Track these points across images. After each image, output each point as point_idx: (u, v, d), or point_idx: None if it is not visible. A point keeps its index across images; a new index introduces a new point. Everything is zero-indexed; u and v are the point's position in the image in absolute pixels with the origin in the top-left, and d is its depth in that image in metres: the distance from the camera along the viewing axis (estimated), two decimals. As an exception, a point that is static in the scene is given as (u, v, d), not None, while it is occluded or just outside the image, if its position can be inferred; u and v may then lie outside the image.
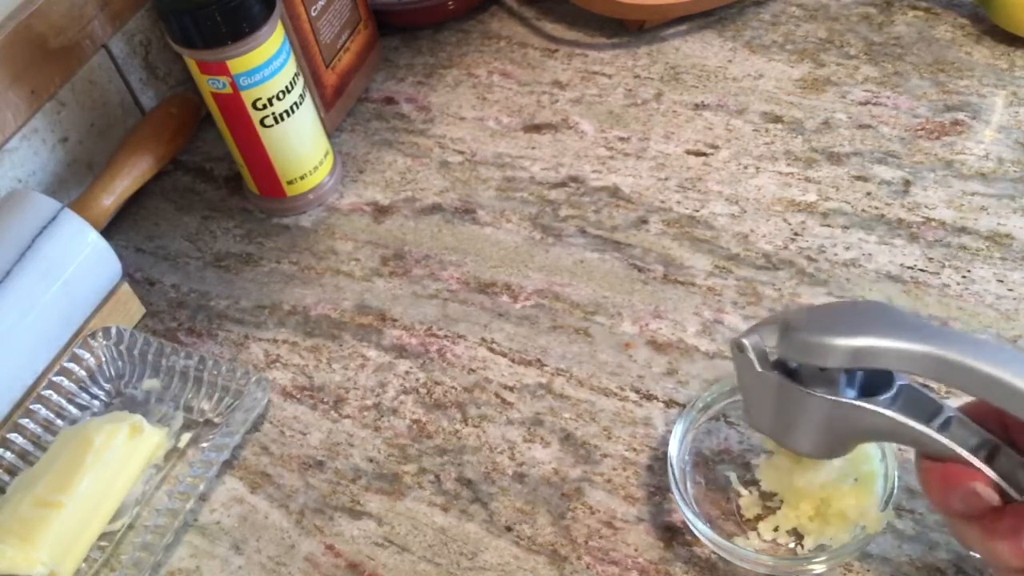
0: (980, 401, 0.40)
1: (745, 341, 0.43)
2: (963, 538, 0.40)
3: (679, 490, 0.48)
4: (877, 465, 0.47)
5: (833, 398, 0.41)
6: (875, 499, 0.46)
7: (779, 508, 0.48)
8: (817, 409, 0.42)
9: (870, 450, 0.47)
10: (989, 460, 0.38)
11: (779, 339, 0.42)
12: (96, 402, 0.59)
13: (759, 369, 0.43)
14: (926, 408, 0.40)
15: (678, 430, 0.50)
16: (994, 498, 0.38)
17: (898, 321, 0.41)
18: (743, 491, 0.50)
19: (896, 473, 0.46)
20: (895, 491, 0.46)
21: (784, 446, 0.45)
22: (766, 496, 0.49)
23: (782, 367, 0.43)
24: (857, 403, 0.41)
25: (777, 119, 0.68)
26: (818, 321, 0.41)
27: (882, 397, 0.41)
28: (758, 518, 0.49)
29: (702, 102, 0.70)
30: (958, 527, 0.40)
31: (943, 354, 0.38)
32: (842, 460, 0.48)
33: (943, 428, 0.39)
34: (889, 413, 0.40)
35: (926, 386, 0.42)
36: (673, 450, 0.49)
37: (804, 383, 0.42)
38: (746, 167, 0.65)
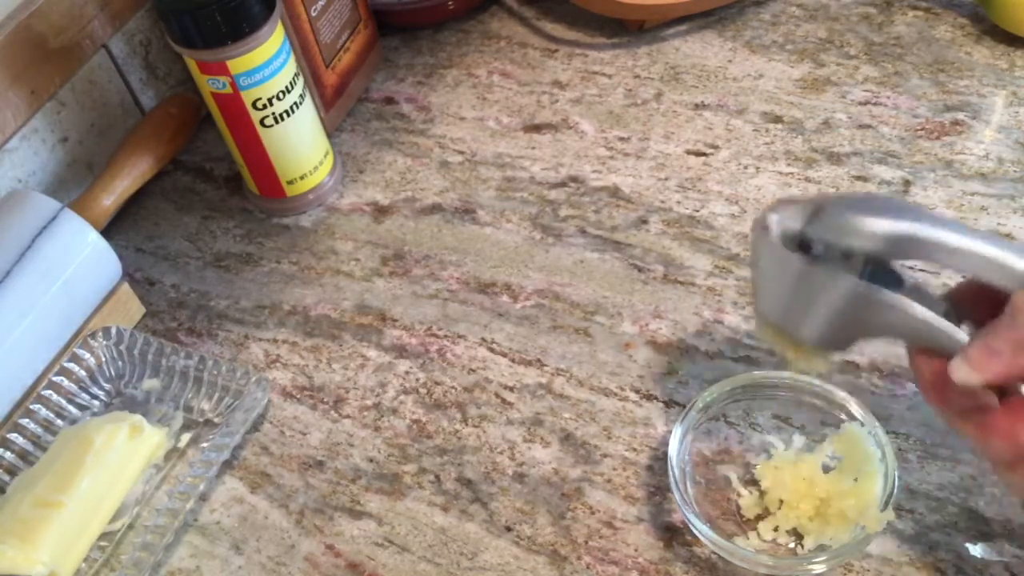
0: (968, 286, 0.41)
1: (770, 218, 0.41)
2: (959, 431, 0.40)
3: (679, 490, 0.48)
4: (877, 465, 0.47)
5: (864, 283, 0.40)
6: (875, 499, 0.46)
7: (779, 508, 0.48)
8: (839, 294, 0.41)
9: (870, 449, 0.47)
10: None
11: (809, 218, 0.41)
12: (96, 402, 0.59)
13: (782, 249, 0.41)
14: (936, 306, 0.40)
15: (678, 431, 0.50)
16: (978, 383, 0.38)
17: (934, 216, 0.40)
18: (743, 491, 0.50)
19: (896, 473, 0.46)
20: (895, 491, 0.46)
21: (790, 333, 0.43)
22: (766, 496, 0.49)
23: (805, 249, 0.41)
24: (887, 292, 0.40)
25: (777, 119, 0.68)
26: (854, 205, 0.40)
27: (900, 290, 0.40)
28: (758, 518, 0.49)
29: (702, 102, 0.70)
30: (955, 422, 0.40)
31: (987, 252, 0.38)
32: (842, 459, 0.48)
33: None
34: (916, 307, 0.39)
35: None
36: (673, 450, 0.49)
37: (829, 262, 0.41)
38: (746, 167, 0.65)
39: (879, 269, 0.40)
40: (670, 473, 0.49)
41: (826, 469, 0.48)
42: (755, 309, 0.45)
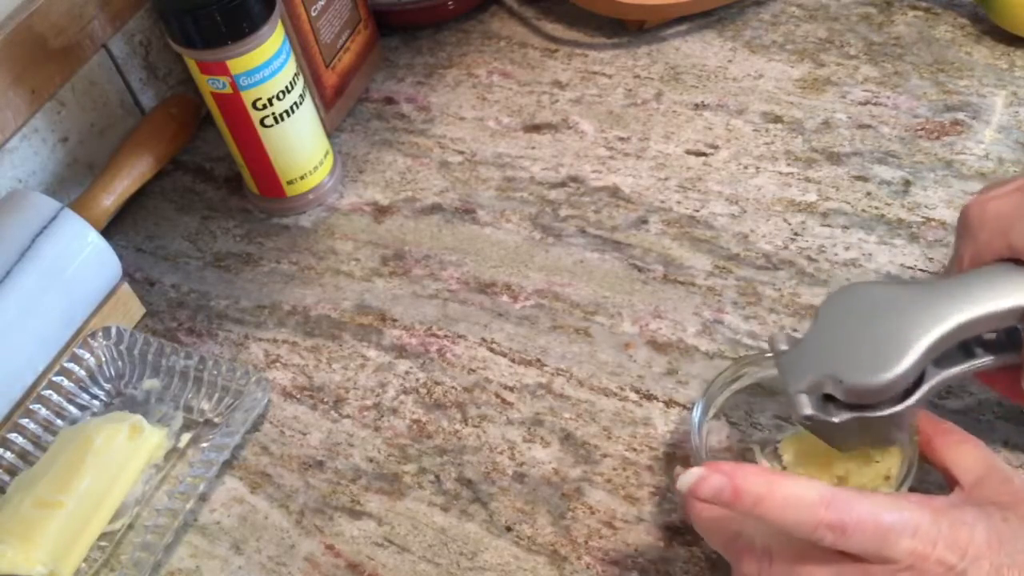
0: None
1: (808, 412, 0.44)
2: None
3: (698, 439, 0.49)
4: (896, 447, 0.47)
5: (913, 402, 0.43)
6: (893, 479, 0.46)
7: None
8: (902, 416, 0.44)
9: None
10: None
11: (834, 388, 0.43)
12: (96, 402, 0.59)
13: (836, 420, 0.44)
14: (961, 348, 0.44)
15: (699, 407, 0.50)
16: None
17: (908, 308, 0.43)
18: (764, 462, 0.49)
19: (916, 454, 0.46)
20: (912, 471, 0.46)
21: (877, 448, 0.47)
22: (787, 470, 0.49)
23: (847, 405, 0.44)
24: (925, 393, 0.44)
25: (777, 119, 0.68)
26: (857, 357, 0.43)
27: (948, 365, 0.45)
28: None
29: (702, 102, 0.70)
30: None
31: (968, 318, 0.42)
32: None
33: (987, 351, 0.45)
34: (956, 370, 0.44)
35: None
36: (696, 416, 0.50)
37: (876, 407, 0.44)
38: (746, 167, 0.65)
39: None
40: (692, 434, 0.49)
41: None
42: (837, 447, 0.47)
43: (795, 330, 0.56)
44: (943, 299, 0.43)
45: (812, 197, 0.63)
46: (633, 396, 0.56)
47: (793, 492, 0.39)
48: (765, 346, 0.56)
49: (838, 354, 0.44)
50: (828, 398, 0.44)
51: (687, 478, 0.40)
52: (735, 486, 0.39)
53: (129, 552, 0.53)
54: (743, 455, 0.51)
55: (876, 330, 0.43)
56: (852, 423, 0.44)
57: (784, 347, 0.46)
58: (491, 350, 0.59)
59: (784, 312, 0.57)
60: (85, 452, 0.54)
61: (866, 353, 0.43)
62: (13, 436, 0.56)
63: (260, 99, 0.63)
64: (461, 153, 0.71)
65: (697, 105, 0.70)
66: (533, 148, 0.70)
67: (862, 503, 0.38)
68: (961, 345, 0.44)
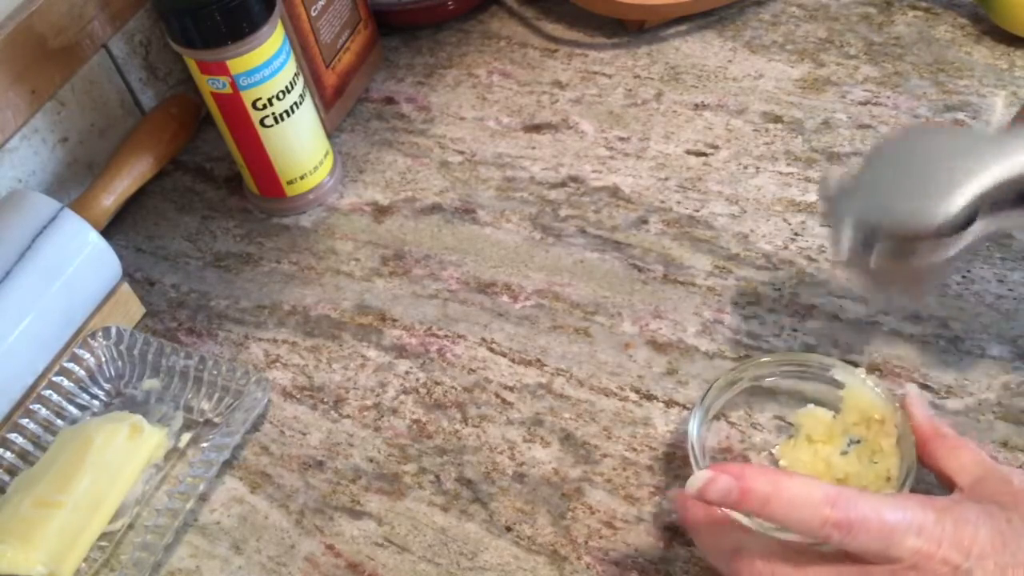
0: None
1: (848, 253, 0.44)
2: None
3: (697, 446, 0.49)
4: (894, 447, 0.47)
5: (955, 251, 0.43)
6: (894, 481, 0.46)
7: None
8: (944, 264, 0.43)
9: (888, 429, 0.47)
10: None
11: (877, 229, 0.43)
12: (96, 402, 0.59)
13: (874, 266, 0.44)
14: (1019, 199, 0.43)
15: (697, 415, 0.50)
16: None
17: (957, 154, 0.43)
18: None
19: (914, 455, 0.46)
20: (913, 472, 0.46)
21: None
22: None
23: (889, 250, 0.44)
24: (970, 243, 0.43)
25: (777, 119, 0.68)
26: (902, 200, 0.43)
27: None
28: None
29: (702, 102, 0.70)
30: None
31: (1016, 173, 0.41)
32: (861, 442, 0.49)
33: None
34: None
35: None
36: (693, 430, 0.49)
37: (917, 253, 0.43)
38: (746, 167, 0.65)
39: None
40: (690, 445, 0.49)
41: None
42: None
43: (795, 330, 0.56)
44: (994, 148, 0.42)
45: (812, 197, 0.63)
46: (633, 396, 0.56)
47: (799, 491, 0.39)
48: (765, 347, 0.56)
49: (883, 196, 0.43)
50: (872, 243, 0.44)
51: (695, 481, 0.40)
52: (743, 487, 0.39)
53: (129, 552, 0.53)
54: (742, 457, 0.51)
55: (924, 173, 0.43)
56: (894, 268, 0.43)
57: (834, 190, 0.45)
58: (491, 350, 0.59)
59: (784, 312, 0.57)
60: (85, 452, 0.54)
61: (911, 196, 0.42)
62: (13, 436, 0.56)
63: (260, 99, 0.63)
64: (461, 153, 0.71)
65: (697, 105, 0.70)
66: (533, 148, 0.70)
67: (866, 502, 0.39)
68: (1018, 196, 0.43)
